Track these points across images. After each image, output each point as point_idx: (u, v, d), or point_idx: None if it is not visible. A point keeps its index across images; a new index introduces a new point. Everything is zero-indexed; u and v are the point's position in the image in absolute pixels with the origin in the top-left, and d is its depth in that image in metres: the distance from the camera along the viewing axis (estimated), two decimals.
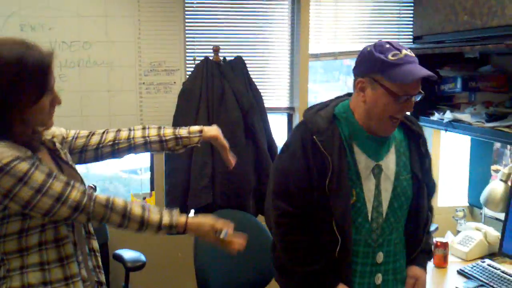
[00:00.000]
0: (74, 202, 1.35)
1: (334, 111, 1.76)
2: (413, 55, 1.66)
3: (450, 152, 3.44)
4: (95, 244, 1.60)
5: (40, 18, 2.85)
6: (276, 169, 1.81)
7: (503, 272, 2.29)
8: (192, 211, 2.90)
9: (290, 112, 3.27)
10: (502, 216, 2.55)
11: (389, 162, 1.76)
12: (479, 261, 2.43)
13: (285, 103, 3.25)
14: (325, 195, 1.68)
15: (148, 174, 3.20)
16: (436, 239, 2.50)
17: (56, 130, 1.61)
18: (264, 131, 2.95)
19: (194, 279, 2.45)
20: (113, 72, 2.97)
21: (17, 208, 1.33)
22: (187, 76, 2.98)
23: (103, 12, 2.92)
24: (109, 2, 2.92)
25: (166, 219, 1.45)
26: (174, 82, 3.02)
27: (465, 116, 2.58)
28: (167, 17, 2.99)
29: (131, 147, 1.69)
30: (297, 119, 3.21)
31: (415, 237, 1.84)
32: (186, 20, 3.04)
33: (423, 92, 1.68)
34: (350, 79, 1.79)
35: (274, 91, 3.22)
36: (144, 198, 3.10)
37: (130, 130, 1.70)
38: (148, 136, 1.69)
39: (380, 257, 1.76)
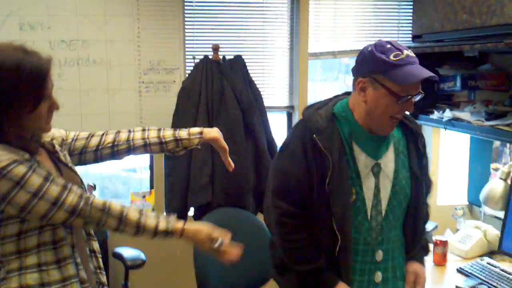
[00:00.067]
0: (71, 206, 1.35)
1: (333, 110, 1.76)
2: (414, 55, 1.67)
3: (449, 150, 3.44)
4: (96, 245, 1.60)
5: (39, 17, 2.85)
6: (275, 168, 1.81)
7: (502, 270, 2.30)
8: (192, 209, 2.91)
9: (289, 110, 3.27)
10: (501, 214, 2.56)
11: (388, 160, 1.77)
12: (478, 259, 2.43)
13: (284, 102, 3.25)
14: (325, 194, 1.68)
15: (148, 172, 3.20)
16: (435, 237, 2.50)
17: (56, 132, 1.60)
18: (263, 130, 2.95)
19: (193, 277, 2.45)
20: (112, 71, 2.97)
21: (14, 212, 1.33)
22: (187, 75, 2.98)
23: (102, 11, 2.92)
24: (108, 1, 2.92)
25: (162, 225, 1.45)
26: (174, 81, 3.02)
27: (464, 115, 2.58)
28: (166, 16, 2.98)
29: (131, 149, 1.68)
30: (296, 118, 3.21)
31: (414, 234, 1.85)
32: (186, 19, 3.04)
33: (423, 92, 1.68)
34: (349, 77, 1.79)
35: (273, 89, 3.22)
36: (144, 197, 3.10)
37: (129, 131, 1.70)
38: (148, 138, 1.68)
39: (379, 255, 1.76)
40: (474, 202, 3.07)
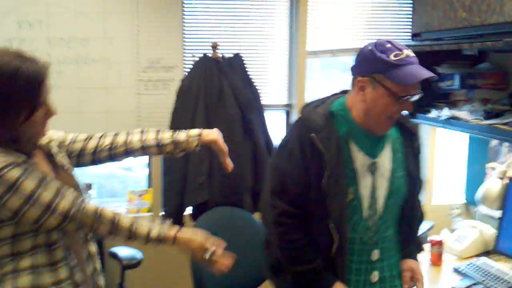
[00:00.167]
0: (63, 212, 1.36)
1: (331, 108, 1.76)
2: (414, 55, 1.66)
3: (445, 149, 3.44)
4: (94, 248, 1.59)
5: (38, 14, 2.84)
6: (274, 167, 1.81)
7: (498, 270, 2.30)
8: (190, 209, 2.90)
9: (288, 109, 3.27)
10: (498, 213, 2.56)
11: (385, 159, 1.76)
12: (474, 259, 2.43)
13: (283, 100, 3.25)
14: (322, 193, 1.68)
15: (145, 171, 3.20)
16: (431, 237, 2.50)
17: (54, 134, 1.60)
18: (262, 128, 2.95)
19: (189, 276, 2.45)
20: (111, 68, 2.96)
21: (8, 215, 1.33)
22: (186, 73, 2.97)
23: (101, 9, 2.91)
24: None
25: (154, 232, 1.47)
26: (173, 79, 3.01)
27: (462, 114, 2.57)
28: (165, 14, 2.98)
29: (128, 151, 1.67)
30: (295, 116, 3.20)
31: (409, 233, 1.85)
32: (184, 17, 3.03)
33: (421, 92, 1.68)
34: (347, 75, 1.79)
35: (272, 88, 3.22)
36: (141, 195, 3.10)
37: (128, 134, 1.69)
38: (146, 140, 1.67)
39: (375, 254, 1.76)
40: (471, 202, 3.07)
